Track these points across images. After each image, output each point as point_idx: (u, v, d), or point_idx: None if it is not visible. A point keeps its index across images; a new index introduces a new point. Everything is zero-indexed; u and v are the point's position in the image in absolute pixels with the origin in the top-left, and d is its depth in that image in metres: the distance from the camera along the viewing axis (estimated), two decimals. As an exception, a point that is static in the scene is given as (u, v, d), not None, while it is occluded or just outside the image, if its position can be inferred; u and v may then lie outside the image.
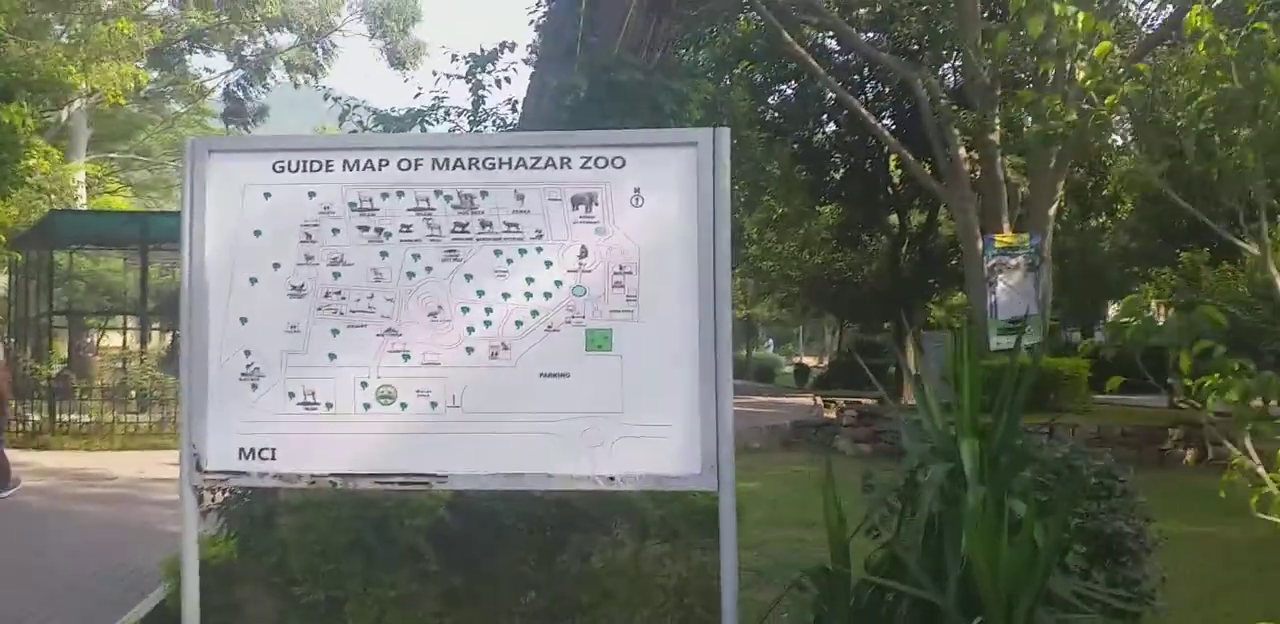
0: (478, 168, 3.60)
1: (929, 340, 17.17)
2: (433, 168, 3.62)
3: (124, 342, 21.75)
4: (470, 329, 3.56)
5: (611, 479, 3.47)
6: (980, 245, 15.44)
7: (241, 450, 3.59)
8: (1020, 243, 15.16)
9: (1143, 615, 3.92)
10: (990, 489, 2.98)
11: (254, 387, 3.60)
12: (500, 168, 3.59)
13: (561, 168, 3.57)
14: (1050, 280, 15.84)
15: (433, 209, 3.60)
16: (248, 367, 3.61)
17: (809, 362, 46.72)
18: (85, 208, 24.58)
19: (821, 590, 3.29)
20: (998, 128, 16.19)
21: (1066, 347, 21.13)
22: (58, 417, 14.49)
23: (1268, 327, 14.83)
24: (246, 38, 28.48)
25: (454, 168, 3.61)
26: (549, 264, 3.55)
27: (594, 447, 3.48)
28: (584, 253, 3.54)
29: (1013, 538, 2.93)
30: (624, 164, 3.55)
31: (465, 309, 3.56)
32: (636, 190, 3.54)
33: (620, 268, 3.53)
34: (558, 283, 3.54)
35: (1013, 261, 15.10)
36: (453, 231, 3.59)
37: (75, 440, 13.95)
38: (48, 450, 13.56)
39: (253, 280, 3.64)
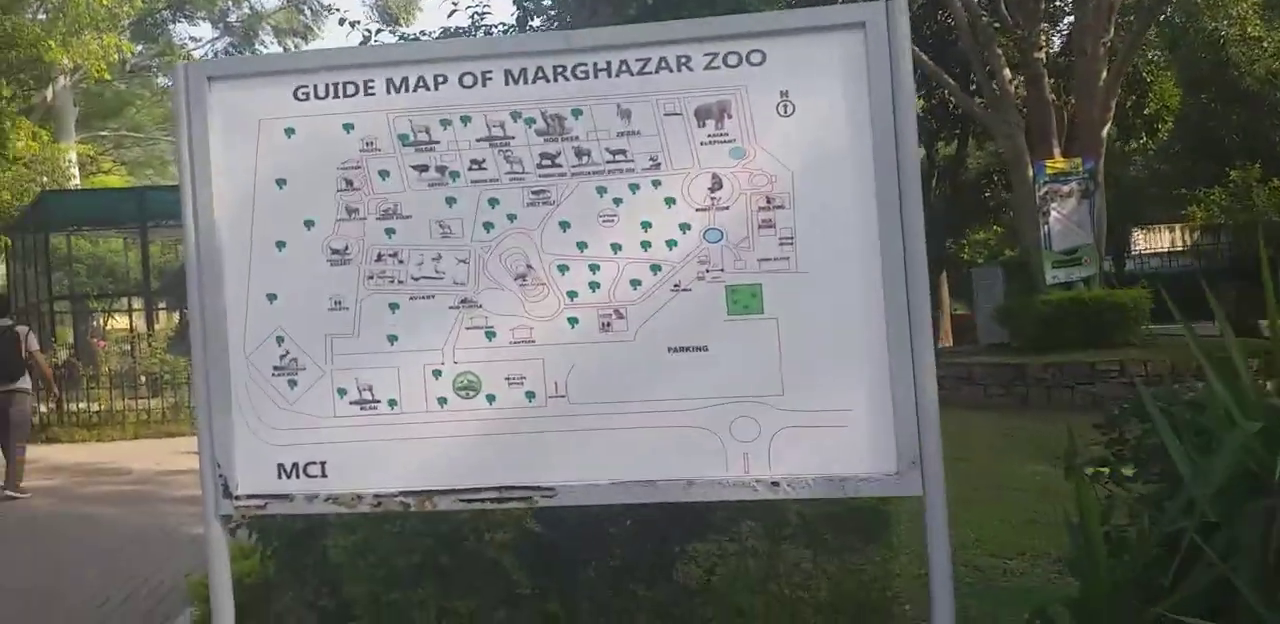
0: (566, 78, 2.70)
1: (980, 277, 16.21)
2: (506, 82, 2.72)
3: (130, 324, 20.97)
4: (572, 294, 2.68)
5: (775, 485, 2.60)
6: (1030, 173, 14.44)
7: (281, 467, 2.75)
8: (1073, 168, 14.17)
9: None
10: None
11: (292, 383, 2.75)
12: (596, 76, 2.69)
13: (679, 70, 2.66)
14: (1104, 207, 14.86)
15: (510, 137, 2.71)
16: (282, 358, 2.75)
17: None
18: (79, 188, 23.66)
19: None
20: (1044, 44, 15.13)
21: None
22: (65, 407, 13.68)
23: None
24: (230, 3, 27.24)
25: (535, 80, 2.71)
26: (670, 202, 2.66)
27: (748, 442, 2.62)
28: (717, 184, 2.65)
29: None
30: (763, 59, 2.64)
31: (563, 268, 2.69)
32: (783, 94, 2.64)
33: (769, 201, 2.63)
34: (684, 226, 2.66)
35: (1065, 189, 14.13)
36: (540, 166, 2.70)
37: (85, 432, 13.18)
38: (57, 443, 12.83)
39: (280, 245, 2.77)
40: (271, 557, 3.89)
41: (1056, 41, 18.78)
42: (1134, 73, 17.91)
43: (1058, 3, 17.89)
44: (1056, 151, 14.83)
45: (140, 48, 26.78)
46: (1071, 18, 17.71)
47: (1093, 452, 3.32)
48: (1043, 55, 15.24)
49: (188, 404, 13.09)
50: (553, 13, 4.19)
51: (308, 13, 28.43)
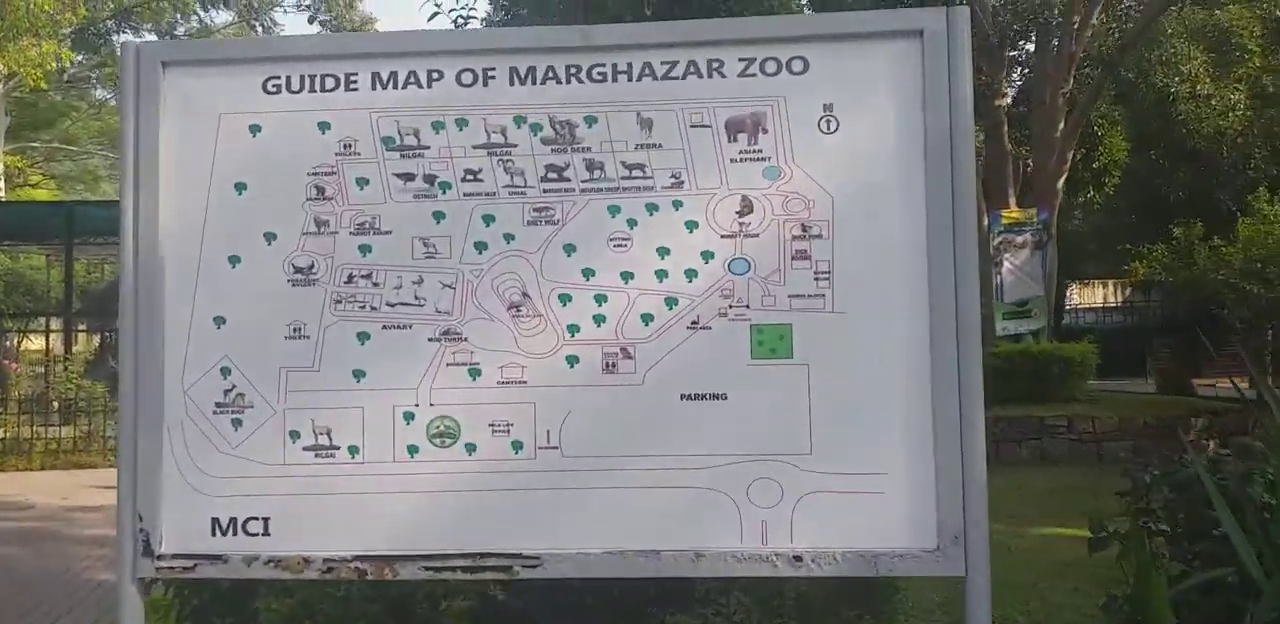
0: (580, 80, 2.36)
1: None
2: (511, 81, 2.37)
3: (47, 345, 20.02)
4: (573, 329, 2.32)
5: (798, 560, 2.24)
6: (985, 222, 14.41)
7: (217, 523, 2.33)
8: (1028, 218, 14.13)
9: None
10: None
11: (237, 423, 2.33)
12: (615, 79, 2.36)
13: (709, 76, 2.34)
14: (1056, 259, 14.88)
15: (512, 146, 2.35)
16: (227, 393, 2.34)
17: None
18: (3, 200, 22.73)
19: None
20: (1007, 92, 15.21)
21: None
22: (-33, 434, 12.79)
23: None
24: (179, 16, 26.60)
25: (544, 81, 2.37)
26: (693, 226, 2.32)
27: (768, 508, 2.27)
28: (747, 207, 2.32)
29: None
30: (805, 68, 2.33)
31: (565, 298, 2.32)
32: (827, 108, 2.33)
33: (804, 229, 2.31)
34: (707, 255, 2.32)
35: (1019, 239, 14.09)
36: (545, 180, 2.35)
37: (-14, 462, 12.31)
38: (-46, 474, 11.95)
39: (233, 260, 2.37)
40: (189, 617, 3.41)
41: (1010, 92, 18.97)
42: (1086, 126, 18.14)
43: (1016, 53, 18.07)
44: (1012, 201, 14.86)
45: (80, 58, 25.96)
46: (1027, 69, 17.90)
47: (1113, 520, 3.04)
48: (1004, 103, 15.33)
49: (102, 433, 12.33)
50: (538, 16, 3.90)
51: (259, 29, 27.88)
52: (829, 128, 2.33)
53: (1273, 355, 16.08)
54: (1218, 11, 19.08)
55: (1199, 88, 18.30)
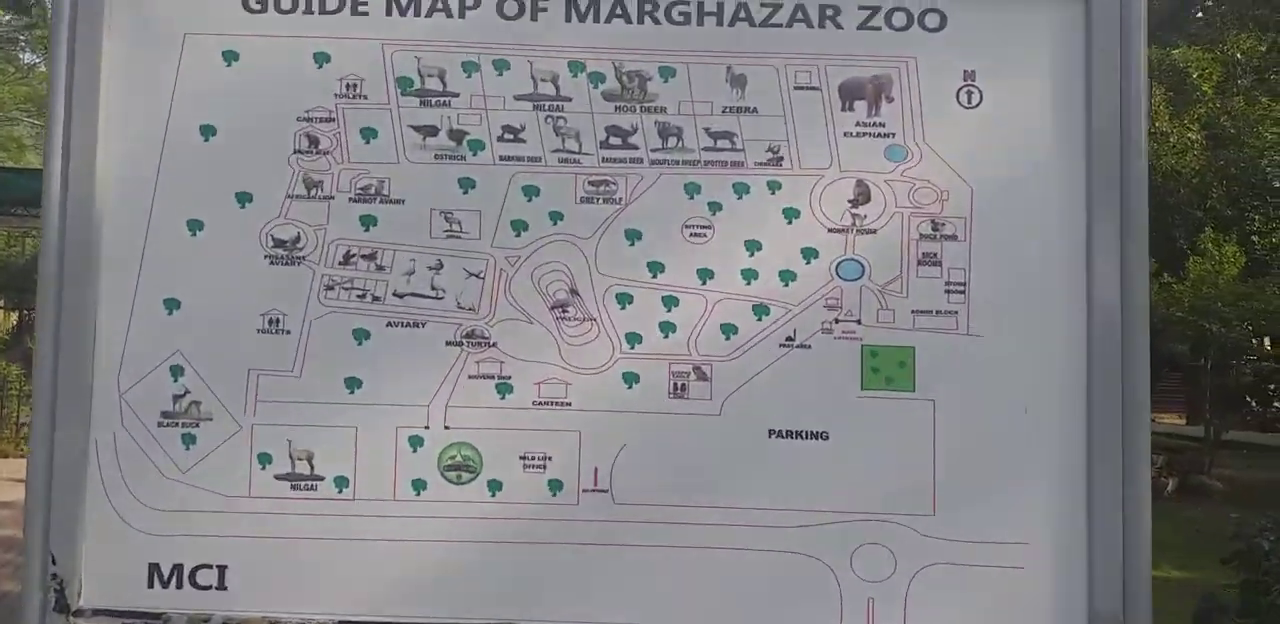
0: (656, 19, 1.86)
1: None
2: (568, 16, 1.86)
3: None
4: (633, 338, 1.81)
5: (912, 647, 1.76)
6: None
7: (156, 570, 1.79)
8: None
9: None
10: None
11: (189, 439, 1.79)
12: (701, 22, 1.86)
13: (820, 25, 1.86)
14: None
15: (565, 99, 1.84)
16: (178, 399, 1.79)
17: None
18: (-81, 165, 21.45)
19: None
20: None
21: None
22: None
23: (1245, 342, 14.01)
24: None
25: (609, 18, 1.86)
26: (792, 215, 1.83)
27: (876, 583, 1.78)
28: (863, 195, 1.83)
29: None
30: (942, 24, 1.86)
31: (624, 299, 1.82)
32: (968, 76, 1.85)
33: (935, 227, 1.83)
34: (810, 253, 1.82)
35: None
36: (605, 145, 1.83)
37: (-114, 449, 11.37)
38: None
39: (194, 226, 1.82)
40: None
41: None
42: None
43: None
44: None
45: (8, 17, 24.71)
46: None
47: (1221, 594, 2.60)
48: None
49: (15, 419, 11.47)
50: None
51: None
52: (970, 101, 1.85)
53: (1211, 392, 16.06)
54: (1174, 51, 19.17)
55: (1156, 124, 18.38)
